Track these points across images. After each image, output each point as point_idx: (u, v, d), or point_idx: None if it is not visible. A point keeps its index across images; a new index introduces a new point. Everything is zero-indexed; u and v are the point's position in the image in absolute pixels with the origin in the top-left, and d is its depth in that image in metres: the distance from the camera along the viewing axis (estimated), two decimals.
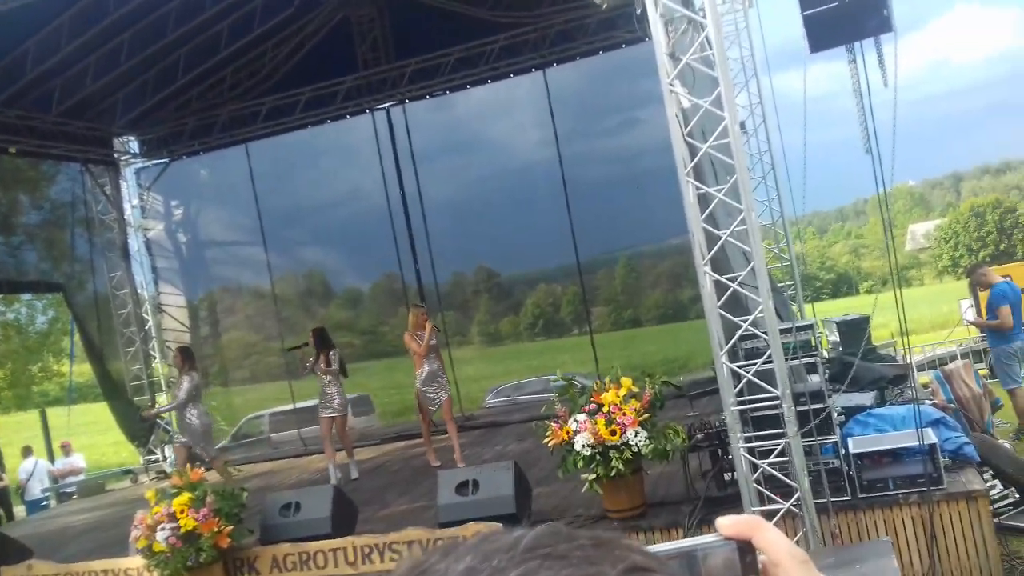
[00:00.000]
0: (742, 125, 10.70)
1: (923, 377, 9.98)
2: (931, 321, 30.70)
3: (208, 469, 9.07)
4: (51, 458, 16.49)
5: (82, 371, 16.04)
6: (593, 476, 6.15)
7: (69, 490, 14.90)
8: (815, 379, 6.07)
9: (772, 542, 0.57)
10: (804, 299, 11.71)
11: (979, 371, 9.74)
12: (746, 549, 0.57)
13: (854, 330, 9.09)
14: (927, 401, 7.28)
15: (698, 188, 5.75)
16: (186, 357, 10.03)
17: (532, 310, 17.55)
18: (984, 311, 10.07)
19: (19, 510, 14.25)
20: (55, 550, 8.29)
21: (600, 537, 0.49)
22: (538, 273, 16.25)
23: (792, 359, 5.81)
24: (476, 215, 14.25)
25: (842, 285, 59.94)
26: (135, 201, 14.74)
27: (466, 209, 14.26)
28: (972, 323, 11.44)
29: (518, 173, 14.13)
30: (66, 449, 15.94)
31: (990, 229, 56.78)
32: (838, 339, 9.72)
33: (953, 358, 12.38)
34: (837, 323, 9.95)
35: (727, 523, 0.59)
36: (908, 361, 7.91)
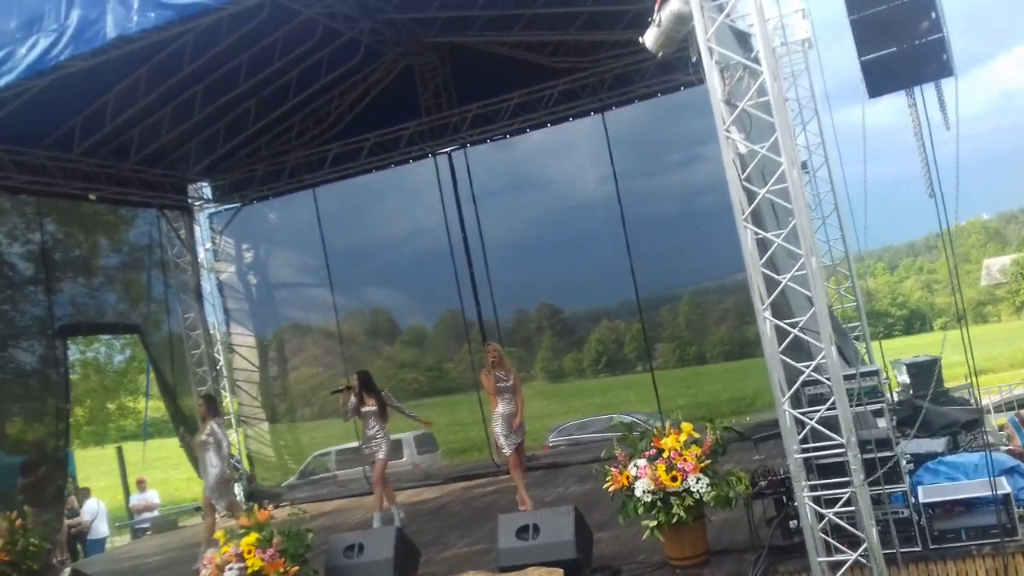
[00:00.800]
0: (804, 165, 10.63)
1: (999, 420, 9.66)
2: (1010, 359, 29.63)
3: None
4: (126, 493, 16.98)
5: (156, 407, 16.56)
6: (654, 523, 6.10)
7: (144, 526, 15.31)
8: (882, 424, 5.95)
9: None
10: (876, 336, 11.46)
11: None
12: None
13: (924, 372, 8.85)
14: (1002, 448, 7.05)
15: (756, 233, 5.74)
16: (210, 405, 10.02)
17: (595, 347, 17.52)
18: None
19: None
20: None
21: None
22: (601, 310, 16.22)
23: (857, 405, 5.71)
24: (537, 253, 14.37)
25: (915, 321, 58.23)
26: (208, 244, 15.27)
27: (527, 247, 14.40)
28: None
29: (578, 211, 14.21)
30: (141, 485, 16.40)
31: None
32: (908, 381, 9.47)
33: None
34: (907, 365, 9.70)
35: None
36: (979, 405, 7.64)
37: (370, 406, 9.50)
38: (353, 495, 13.32)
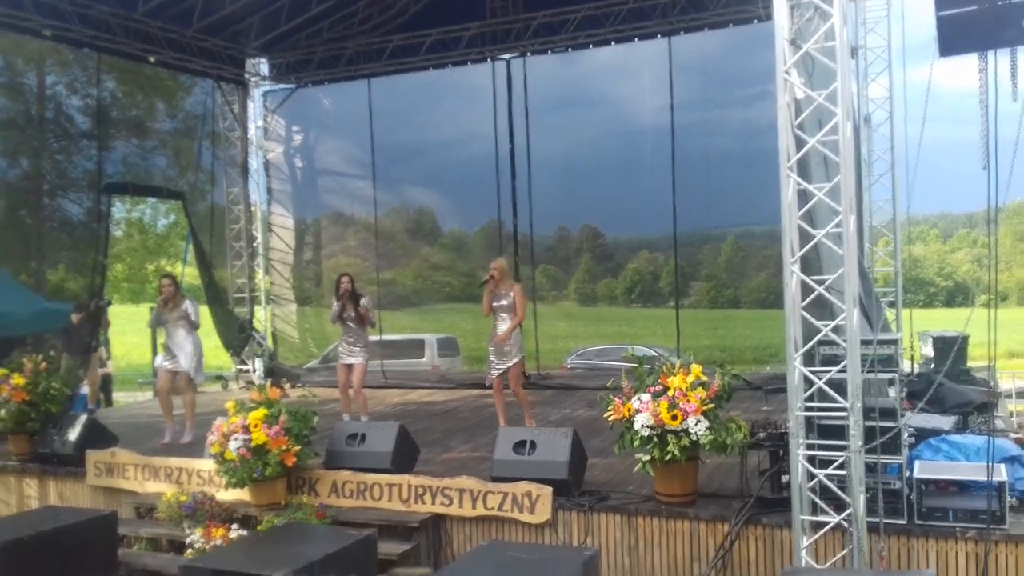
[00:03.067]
0: (867, 119, 10.24)
1: (1017, 406, 9.49)
2: None
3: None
4: (154, 353, 17.56)
5: (192, 274, 16.94)
6: (648, 457, 6.15)
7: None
8: (892, 394, 5.87)
9: None
10: (915, 303, 11.21)
11: None
12: None
13: (949, 347, 8.67)
14: (1011, 435, 6.94)
15: (799, 184, 5.58)
16: (177, 284, 9.68)
17: (631, 275, 17.41)
18: None
19: (119, 395, 15.26)
20: (140, 442, 8.89)
21: None
22: (642, 240, 16.06)
23: (869, 371, 5.62)
24: (586, 174, 14.17)
25: (958, 295, 56.78)
26: (259, 122, 15.31)
27: (576, 166, 14.19)
28: None
29: (632, 136, 13.92)
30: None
31: None
32: (932, 354, 9.30)
33: None
34: (933, 338, 9.51)
35: None
36: (994, 388, 7.50)
37: (350, 312, 9.43)
38: (368, 386, 13.59)
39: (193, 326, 9.36)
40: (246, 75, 14.90)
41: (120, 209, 21.39)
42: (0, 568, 5.91)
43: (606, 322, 17.94)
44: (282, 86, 15.33)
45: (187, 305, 9.31)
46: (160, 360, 15.07)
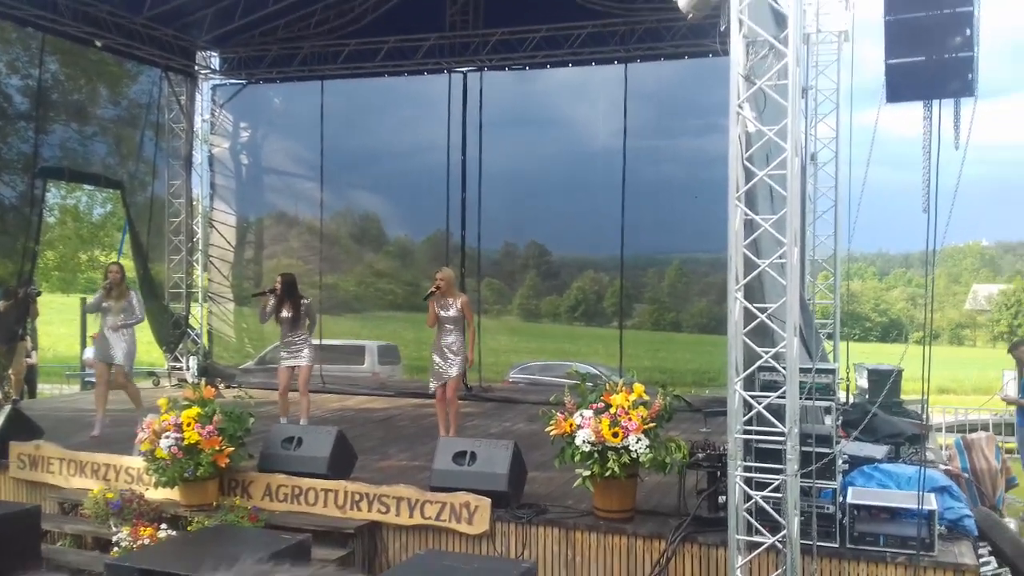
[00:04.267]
0: (813, 157, 10.54)
1: (946, 439, 9.82)
2: (974, 384, 30.07)
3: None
4: (83, 345, 17.04)
5: (127, 267, 16.51)
6: (588, 473, 6.19)
7: (94, 380, 15.38)
8: (828, 422, 6.02)
9: None
10: (851, 337, 11.52)
11: (1006, 445, 9.54)
12: None
13: (883, 380, 8.94)
14: (940, 466, 7.17)
15: (746, 214, 5.71)
16: (124, 274, 9.55)
17: (576, 294, 17.52)
18: (1020, 388, 9.83)
19: (44, 386, 14.75)
20: (66, 435, 8.61)
21: None
22: (588, 260, 16.19)
23: (808, 399, 5.77)
24: (535, 191, 14.26)
25: (892, 331, 58.74)
26: (207, 116, 15.04)
27: (526, 183, 14.27)
28: (1004, 398, 11.18)
29: (583, 158, 14.07)
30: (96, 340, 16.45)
31: None
32: (867, 386, 9.58)
33: (985, 426, 12.13)
34: (868, 370, 9.80)
35: None
36: (926, 422, 7.76)
37: (287, 312, 9.24)
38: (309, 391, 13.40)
39: (136, 320, 9.14)
40: (196, 67, 14.64)
41: (55, 195, 20.76)
42: None
43: (549, 338, 18.01)
44: (232, 81, 15.10)
45: (132, 297, 9.12)
46: (91, 353, 14.67)
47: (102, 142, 16.86)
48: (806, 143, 9.74)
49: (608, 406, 6.26)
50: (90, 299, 10.05)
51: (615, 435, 6.09)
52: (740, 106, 5.70)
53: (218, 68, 14.97)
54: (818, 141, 10.56)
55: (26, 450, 7.84)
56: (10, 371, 11.32)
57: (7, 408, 8.35)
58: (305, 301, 9.47)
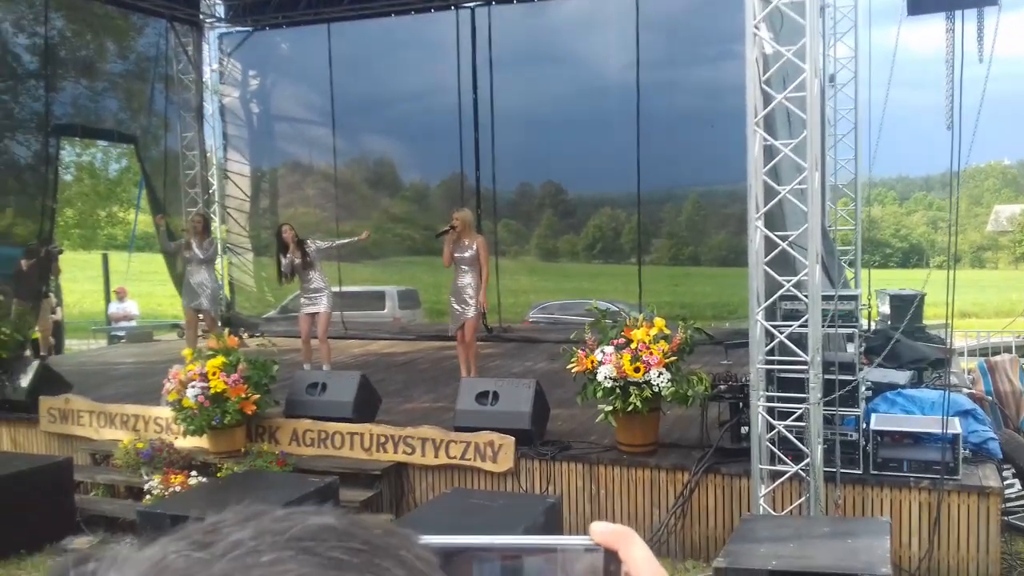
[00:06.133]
0: (831, 79, 10.29)
1: (969, 363, 9.75)
2: (996, 307, 29.81)
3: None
4: (107, 300, 17.22)
5: (145, 221, 16.59)
6: (610, 408, 6.21)
7: (119, 334, 15.58)
8: (851, 349, 5.98)
9: (638, 559, 0.56)
10: (871, 264, 11.40)
11: None
12: (612, 559, 0.56)
13: (906, 305, 8.84)
14: (964, 390, 7.13)
15: (765, 139, 5.59)
16: (208, 224, 10.06)
17: (593, 232, 17.43)
18: None
19: (71, 342, 14.97)
20: (94, 388, 8.73)
21: (382, 542, 0.47)
22: (604, 197, 16.05)
23: (831, 327, 5.72)
24: (549, 129, 14.06)
25: (913, 256, 58.13)
26: (215, 65, 14.87)
27: (539, 121, 14.08)
28: None
29: (596, 93, 13.81)
30: (120, 295, 16.60)
31: None
32: (888, 312, 9.49)
33: (1008, 348, 12.02)
34: (890, 296, 9.70)
35: (600, 530, 0.57)
36: (950, 345, 7.69)
37: (298, 260, 9.16)
38: (329, 337, 13.50)
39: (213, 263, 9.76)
40: (201, 16, 14.43)
41: (70, 153, 20.76)
42: None
43: (568, 277, 17.98)
44: (238, 29, 14.88)
45: (215, 244, 9.51)
46: (115, 308, 14.85)
47: (113, 97, 16.79)
48: (824, 64, 9.49)
49: (629, 341, 6.24)
50: (164, 242, 10.81)
51: (636, 370, 6.09)
52: (756, 27, 5.54)
53: (223, 16, 14.75)
54: (837, 61, 10.29)
55: (56, 404, 7.98)
56: (37, 328, 11.47)
57: (36, 364, 8.47)
58: (311, 244, 9.33)
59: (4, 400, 8.30)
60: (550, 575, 0.56)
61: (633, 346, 6.20)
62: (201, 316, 10.21)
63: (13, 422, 8.24)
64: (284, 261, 9.27)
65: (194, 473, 6.79)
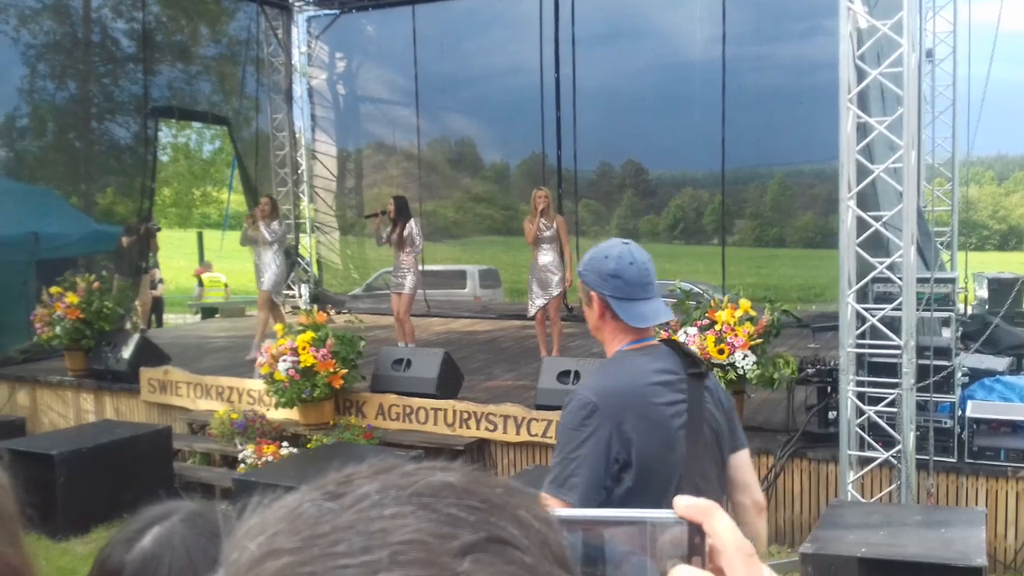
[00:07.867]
0: (929, 54, 9.90)
1: None
2: None
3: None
4: (199, 284, 17.93)
5: (238, 200, 17.15)
6: None
7: (214, 307, 16.18)
8: (946, 334, 5.80)
9: (722, 531, 0.57)
10: (966, 246, 10.96)
11: None
12: (697, 531, 0.58)
13: (1005, 289, 8.51)
14: None
15: (859, 116, 5.44)
16: (275, 206, 10.14)
17: (674, 212, 17.22)
18: None
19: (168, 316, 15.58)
20: (191, 361, 9.10)
21: (501, 500, 0.48)
22: (687, 176, 15.84)
23: (925, 310, 5.55)
24: (631, 108, 13.91)
25: (1011, 238, 55.50)
26: (303, 48, 15.19)
27: (622, 100, 13.93)
28: None
29: (680, 70, 13.60)
30: (203, 274, 17.27)
31: None
32: (986, 296, 9.13)
33: None
34: (988, 279, 9.33)
35: (685, 503, 0.58)
36: None
37: (398, 233, 9.12)
38: (411, 315, 13.73)
39: (281, 245, 9.82)
40: (290, 0, 14.75)
41: (167, 134, 21.61)
42: (62, 476, 6.15)
43: None
44: (326, 11, 15.16)
45: (283, 227, 9.73)
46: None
47: (207, 80, 17.32)
48: (921, 38, 9.13)
49: (713, 323, 6.18)
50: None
51: (720, 352, 6.03)
52: (851, 0, 5.37)
53: (312, 0, 15.06)
54: (935, 36, 9.89)
55: (155, 375, 8.35)
56: (136, 302, 11.98)
57: (136, 337, 8.88)
58: (411, 225, 9.25)
59: (107, 371, 8.73)
60: (639, 547, 0.58)
61: (717, 327, 6.14)
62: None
63: (116, 392, 8.67)
64: (385, 229, 9.32)
65: (285, 444, 7.03)
